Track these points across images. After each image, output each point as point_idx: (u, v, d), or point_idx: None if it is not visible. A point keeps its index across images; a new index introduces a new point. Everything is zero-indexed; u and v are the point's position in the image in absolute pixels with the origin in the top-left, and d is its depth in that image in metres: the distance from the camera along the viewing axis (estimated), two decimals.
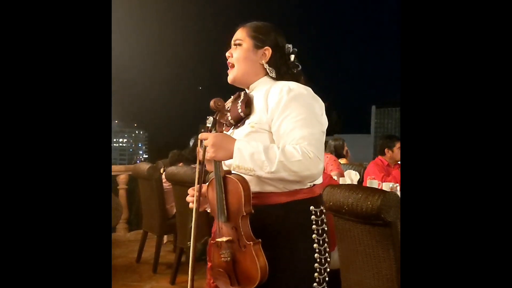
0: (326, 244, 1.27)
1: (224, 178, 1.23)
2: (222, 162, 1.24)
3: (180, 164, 3.69)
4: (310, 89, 1.29)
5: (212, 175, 1.27)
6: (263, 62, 1.34)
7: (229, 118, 1.32)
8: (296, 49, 1.39)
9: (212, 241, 1.31)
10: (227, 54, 1.38)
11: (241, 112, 1.29)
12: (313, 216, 1.25)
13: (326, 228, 1.29)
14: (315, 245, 1.24)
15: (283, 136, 1.21)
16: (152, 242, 3.73)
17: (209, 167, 1.30)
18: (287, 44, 1.39)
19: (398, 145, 3.68)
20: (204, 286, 1.46)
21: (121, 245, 4.33)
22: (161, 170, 3.72)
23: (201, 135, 1.23)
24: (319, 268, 1.24)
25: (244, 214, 1.19)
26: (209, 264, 1.35)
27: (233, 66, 1.37)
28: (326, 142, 4.00)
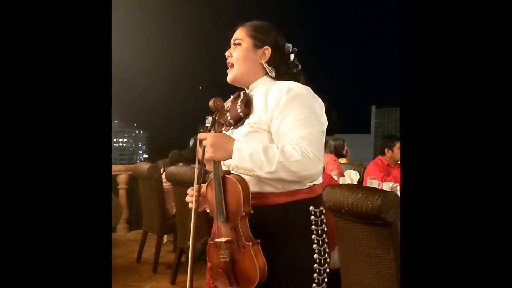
0: (325, 245, 1.27)
1: (223, 178, 1.23)
2: (222, 162, 1.24)
3: (180, 164, 3.69)
4: (309, 89, 1.28)
5: (212, 175, 1.27)
6: (263, 61, 1.34)
7: (229, 118, 1.31)
8: (296, 49, 1.38)
9: (211, 242, 1.31)
10: (227, 53, 1.38)
11: (240, 112, 1.29)
12: (312, 217, 1.25)
13: (325, 229, 1.28)
14: (314, 245, 1.23)
15: (283, 136, 1.20)
16: (152, 242, 3.73)
17: (209, 167, 1.29)
18: (287, 44, 1.38)
19: (398, 145, 3.68)
20: (204, 286, 1.45)
21: (121, 245, 4.33)
22: (161, 170, 3.72)
23: (200, 135, 1.22)
24: (318, 268, 1.23)
25: (243, 214, 1.18)
26: (208, 264, 1.35)
27: (232, 65, 1.36)
28: (326, 142, 4.00)
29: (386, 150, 3.72)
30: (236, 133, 1.30)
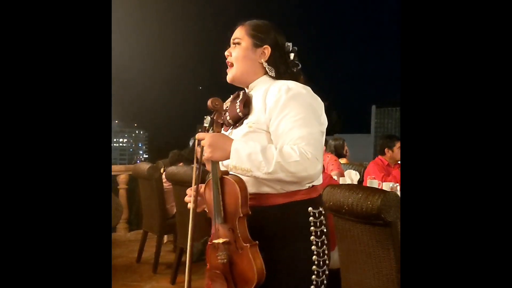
0: (325, 246, 1.25)
1: (221, 178, 1.22)
2: (220, 162, 1.23)
3: (180, 164, 3.69)
4: (309, 89, 1.27)
5: (210, 176, 1.27)
6: (262, 61, 1.33)
7: (228, 118, 1.31)
8: (296, 48, 1.37)
9: (209, 243, 1.30)
10: (226, 53, 1.37)
11: (239, 112, 1.28)
12: (311, 218, 1.24)
13: (325, 230, 1.27)
14: (313, 247, 1.22)
15: (282, 136, 1.19)
16: (152, 242, 3.73)
17: (209, 167, 1.29)
18: (286, 43, 1.37)
19: (398, 145, 3.68)
20: (203, 286, 1.45)
21: (121, 245, 4.34)
22: (161, 170, 3.72)
23: (198, 135, 1.22)
24: (317, 270, 1.22)
25: (241, 215, 1.18)
26: (208, 265, 1.35)
27: (232, 65, 1.35)
28: (326, 142, 4.00)
29: (386, 150, 3.72)
30: (235, 133, 1.29)
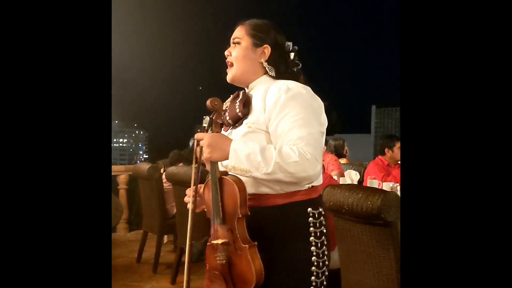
0: (324, 247, 1.25)
1: (220, 179, 1.21)
2: (219, 163, 1.23)
3: (180, 164, 3.69)
4: (309, 88, 1.26)
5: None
6: (262, 60, 1.32)
7: (227, 118, 1.30)
8: (296, 47, 1.36)
9: (208, 243, 1.30)
10: (226, 52, 1.36)
11: (239, 112, 1.27)
12: (311, 218, 1.23)
13: (325, 231, 1.26)
14: (312, 247, 1.22)
15: (281, 136, 1.18)
16: (152, 242, 3.73)
17: (209, 167, 1.29)
18: (287, 42, 1.36)
19: (398, 145, 3.68)
20: (203, 286, 1.45)
21: (121, 245, 4.34)
22: (161, 170, 3.72)
23: (197, 135, 1.21)
24: (316, 271, 1.22)
25: (240, 216, 1.17)
26: (207, 265, 1.34)
27: (232, 64, 1.35)
28: (326, 142, 4.00)
29: (386, 150, 3.72)
30: (235, 133, 1.28)
